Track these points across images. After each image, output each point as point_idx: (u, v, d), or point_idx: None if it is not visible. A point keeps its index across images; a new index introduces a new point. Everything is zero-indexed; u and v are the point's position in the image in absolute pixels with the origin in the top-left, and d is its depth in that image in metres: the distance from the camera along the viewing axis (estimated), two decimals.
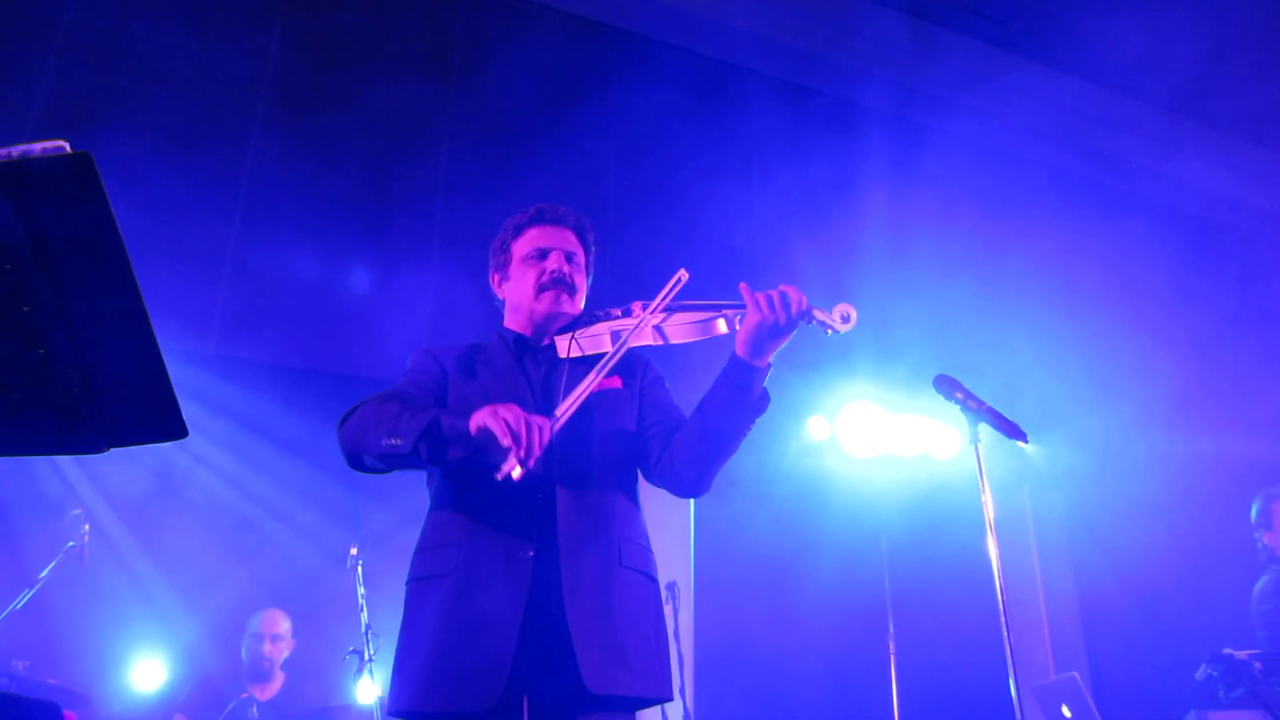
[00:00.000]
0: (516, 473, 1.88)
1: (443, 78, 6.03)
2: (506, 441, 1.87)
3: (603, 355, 2.22)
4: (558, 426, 2.00)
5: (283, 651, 4.88)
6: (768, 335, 2.12)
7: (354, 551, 4.42)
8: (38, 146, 1.08)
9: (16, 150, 1.07)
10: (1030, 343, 6.48)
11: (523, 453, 1.87)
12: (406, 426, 2.01)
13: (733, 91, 6.68)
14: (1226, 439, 6.26)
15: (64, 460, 4.84)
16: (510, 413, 1.90)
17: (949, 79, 6.86)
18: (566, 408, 2.04)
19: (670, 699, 2.16)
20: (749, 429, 2.22)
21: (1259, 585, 4.44)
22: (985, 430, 2.78)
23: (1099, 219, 6.93)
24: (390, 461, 2.10)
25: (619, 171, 6.26)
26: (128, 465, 5.01)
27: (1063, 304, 6.62)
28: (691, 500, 5.98)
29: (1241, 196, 7.86)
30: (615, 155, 6.30)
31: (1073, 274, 6.57)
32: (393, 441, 2.02)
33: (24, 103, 4.90)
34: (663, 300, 2.22)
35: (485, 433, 1.90)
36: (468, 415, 1.96)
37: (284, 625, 4.90)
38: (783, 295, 2.11)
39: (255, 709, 4.36)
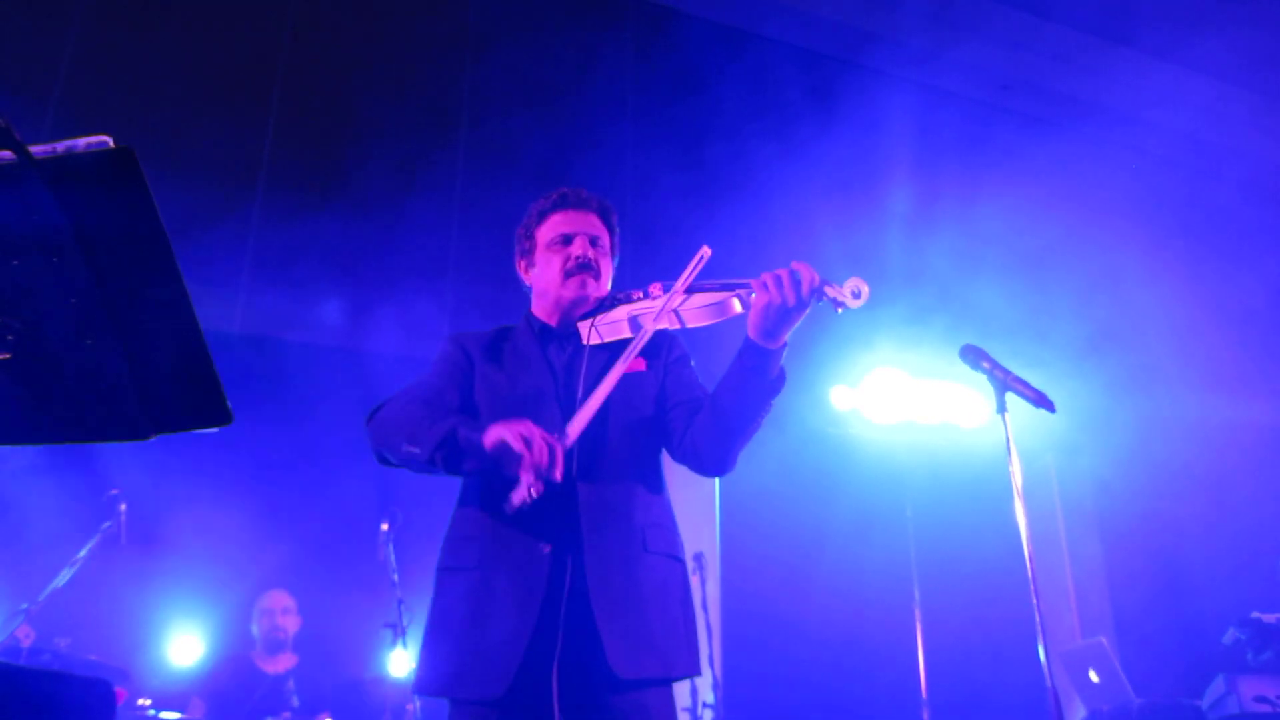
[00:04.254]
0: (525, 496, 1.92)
1: (458, 59, 6.04)
2: (522, 467, 1.91)
3: (621, 340, 2.23)
4: (569, 443, 2.01)
5: (293, 625, 5.03)
6: (778, 317, 2.04)
7: (385, 527, 4.48)
8: (81, 142, 1.10)
9: (61, 146, 1.09)
10: (1060, 307, 6.44)
11: (533, 479, 1.91)
12: (425, 435, 2.06)
13: (755, 61, 6.64)
14: (1253, 405, 6.22)
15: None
16: (523, 433, 1.93)
17: (975, 45, 6.79)
18: (580, 423, 2.04)
19: (699, 673, 2.21)
20: (768, 409, 2.19)
21: None
22: (1012, 398, 2.78)
23: (1133, 185, 6.87)
24: (411, 466, 2.15)
25: (638, 143, 6.25)
26: (164, 443, 5.07)
27: (1094, 270, 6.58)
28: None
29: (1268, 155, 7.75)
30: (633, 126, 6.29)
31: (1105, 240, 6.52)
32: (411, 449, 2.08)
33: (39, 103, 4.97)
34: (684, 281, 2.19)
35: (499, 450, 1.95)
36: (484, 428, 2.00)
37: (290, 601, 5.08)
38: (792, 274, 2.02)
39: (291, 682, 4.43)
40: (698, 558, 5.18)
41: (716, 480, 6.19)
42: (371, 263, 5.50)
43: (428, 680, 2.14)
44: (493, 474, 2.05)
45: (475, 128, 5.93)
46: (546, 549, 2.11)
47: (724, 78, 6.40)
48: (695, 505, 6.00)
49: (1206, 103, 7.21)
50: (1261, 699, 4.13)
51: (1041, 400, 2.67)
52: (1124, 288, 6.70)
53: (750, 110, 6.43)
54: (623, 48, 6.45)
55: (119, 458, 4.92)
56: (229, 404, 1.27)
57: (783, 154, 6.29)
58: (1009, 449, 2.75)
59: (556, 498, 2.13)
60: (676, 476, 2.39)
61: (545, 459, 1.91)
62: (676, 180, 6.01)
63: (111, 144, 1.09)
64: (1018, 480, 2.72)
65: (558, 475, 1.93)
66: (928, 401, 6.46)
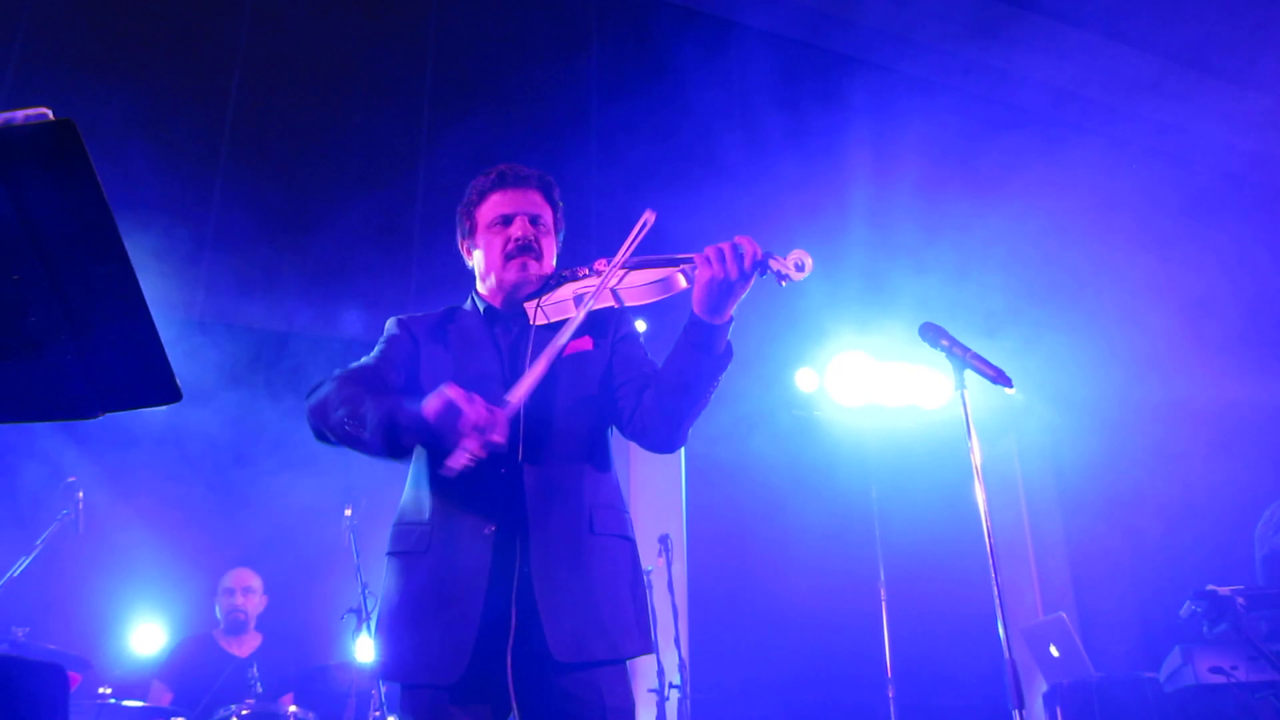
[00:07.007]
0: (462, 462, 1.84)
1: (422, 40, 5.98)
2: (462, 427, 1.85)
3: (567, 320, 2.15)
4: (511, 410, 1.93)
5: (255, 605, 4.99)
6: (721, 291, 2.00)
7: (348, 513, 4.45)
8: (20, 114, 1.07)
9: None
10: (1017, 290, 6.51)
11: (474, 442, 1.84)
12: (365, 412, 2.00)
13: (720, 43, 6.63)
14: (1210, 384, 6.32)
15: (58, 425, 4.84)
16: (466, 394, 1.87)
17: (938, 30, 6.82)
18: (522, 389, 1.96)
19: (651, 651, 2.21)
20: (716, 384, 2.17)
21: (1271, 509, 4.49)
22: (972, 377, 2.80)
23: (1086, 168, 6.93)
24: (351, 445, 2.08)
25: (603, 123, 6.23)
26: (121, 429, 5.02)
27: (1051, 252, 6.65)
28: (682, 452, 6.02)
29: (1231, 142, 7.85)
30: (597, 104, 6.27)
31: (1061, 223, 6.58)
32: (350, 427, 2.02)
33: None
34: (626, 251, 2.12)
35: (441, 411, 1.87)
36: (422, 402, 1.93)
37: (254, 581, 5.03)
38: (735, 247, 1.98)
39: (255, 669, 4.40)
40: (664, 539, 5.18)
41: (683, 462, 6.20)
42: (335, 248, 5.44)
43: (384, 665, 2.17)
44: (434, 449, 1.99)
45: (439, 110, 5.88)
46: (490, 530, 2.10)
47: (686, 62, 6.38)
48: (661, 486, 6.00)
49: (1160, 84, 7.30)
50: (1216, 670, 4.21)
51: (1000, 377, 2.69)
52: (1087, 273, 6.77)
53: (713, 94, 6.42)
54: (589, 30, 6.42)
55: (76, 444, 4.85)
56: (177, 381, 1.25)
57: (746, 138, 6.30)
58: (968, 426, 2.77)
59: (503, 480, 2.13)
60: (641, 460, 2.39)
61: (485, 417, 1.85)
62: (642, 159, 5.99)
63: (51, 116, 1.07)
64: (976, 457, 2.75)
65: (498, 438, 1.87)
66: (892, 383, 6.51)
